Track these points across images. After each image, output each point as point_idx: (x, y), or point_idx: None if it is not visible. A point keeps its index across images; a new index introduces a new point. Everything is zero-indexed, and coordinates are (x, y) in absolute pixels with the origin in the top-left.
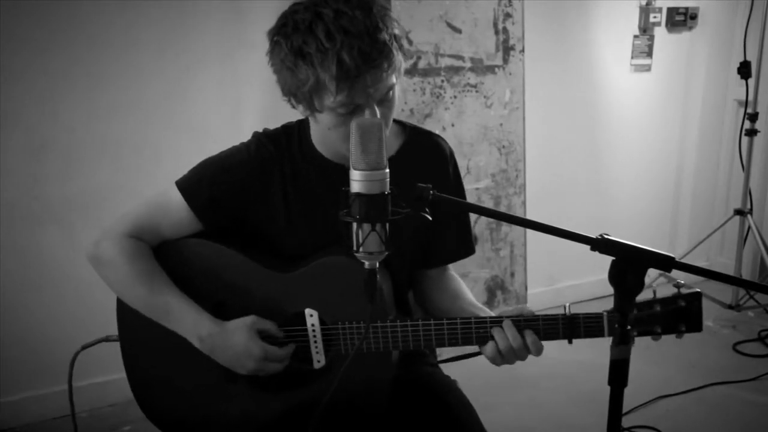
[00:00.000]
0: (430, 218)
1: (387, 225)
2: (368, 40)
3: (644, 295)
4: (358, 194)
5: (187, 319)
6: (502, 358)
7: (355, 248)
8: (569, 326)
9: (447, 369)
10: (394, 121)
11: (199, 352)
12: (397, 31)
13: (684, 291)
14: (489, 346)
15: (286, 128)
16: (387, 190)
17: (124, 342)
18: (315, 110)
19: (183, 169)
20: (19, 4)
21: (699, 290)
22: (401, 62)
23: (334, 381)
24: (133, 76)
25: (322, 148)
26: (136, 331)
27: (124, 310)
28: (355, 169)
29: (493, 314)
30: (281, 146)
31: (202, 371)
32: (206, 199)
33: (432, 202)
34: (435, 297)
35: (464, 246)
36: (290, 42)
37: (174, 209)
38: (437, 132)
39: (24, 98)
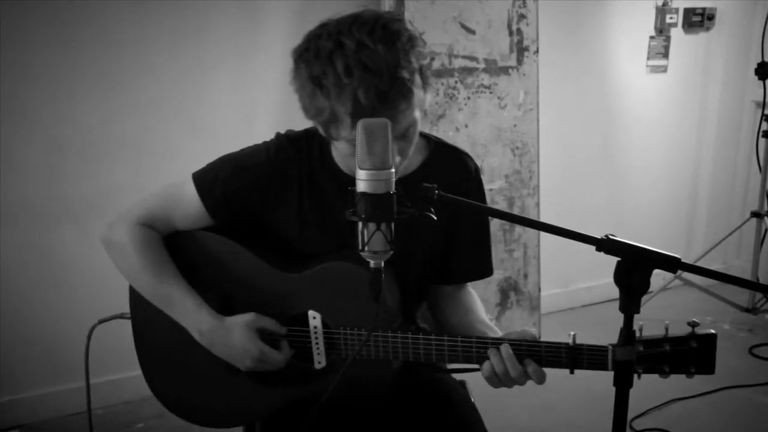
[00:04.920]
0: (435, 218)
1: (392, 225)
2: (387, 77)
3: (656, 332)
4: (363, 193)
5: (189, 312)
6: (499, 381)
7: (360, 247)
8: (572, 357)
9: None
10: (420, 134)
11: None
12: (421, 64)
13: (699, 331)
14: (485, 368)
15: (308, 133)
16: (392, 190)
17: (134, 318)
18: (332, 138)
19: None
20: (39, 5)
21: (714, 332)
22: (423, 99)
23: (332, 383)
24: (150, 78)
25: (341, 163)
26: (147, 310)
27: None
28: (360, 168)
29: (499, 333)
30: (302, 151)
31: (206, 357)
32: (219, 198)
33: (439, 203)
34: (447, 309)
35: (483, 267)
36: (310, 69)
37: (187, 202)
38: (450, 133)
39: (42, 98)
